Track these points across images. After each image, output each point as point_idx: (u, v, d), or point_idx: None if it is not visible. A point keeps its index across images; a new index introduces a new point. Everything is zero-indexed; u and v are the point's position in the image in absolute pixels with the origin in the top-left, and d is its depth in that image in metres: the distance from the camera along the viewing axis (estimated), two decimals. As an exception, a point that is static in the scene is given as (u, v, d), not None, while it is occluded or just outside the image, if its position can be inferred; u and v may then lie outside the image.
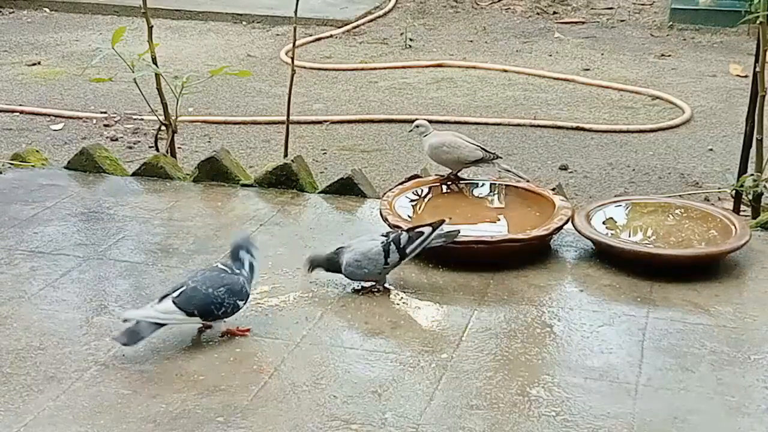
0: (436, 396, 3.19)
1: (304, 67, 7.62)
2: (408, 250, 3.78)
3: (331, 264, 3.83)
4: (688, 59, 8.20)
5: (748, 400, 3.20)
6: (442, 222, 3.84)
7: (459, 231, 3.87)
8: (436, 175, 4.68)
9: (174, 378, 3.26)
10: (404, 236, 3.81)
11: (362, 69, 7.89)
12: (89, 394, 3.19)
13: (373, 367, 3.35)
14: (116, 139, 6.22)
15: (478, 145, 4.61)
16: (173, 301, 3.42)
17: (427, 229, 3.81)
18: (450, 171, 4.60)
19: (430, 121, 5.95)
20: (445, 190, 4.59)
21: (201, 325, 3.54)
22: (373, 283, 3.85)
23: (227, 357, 3.40)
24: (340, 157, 5.96)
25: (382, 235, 3.88)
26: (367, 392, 3.20)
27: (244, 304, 3.55)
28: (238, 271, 3.55)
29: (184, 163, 5.43)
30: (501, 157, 4.67)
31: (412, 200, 4.48)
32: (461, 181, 4.61)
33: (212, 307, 3.46)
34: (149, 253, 4.20)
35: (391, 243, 3.80)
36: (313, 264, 3.85)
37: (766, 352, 3.48)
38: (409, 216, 4.32)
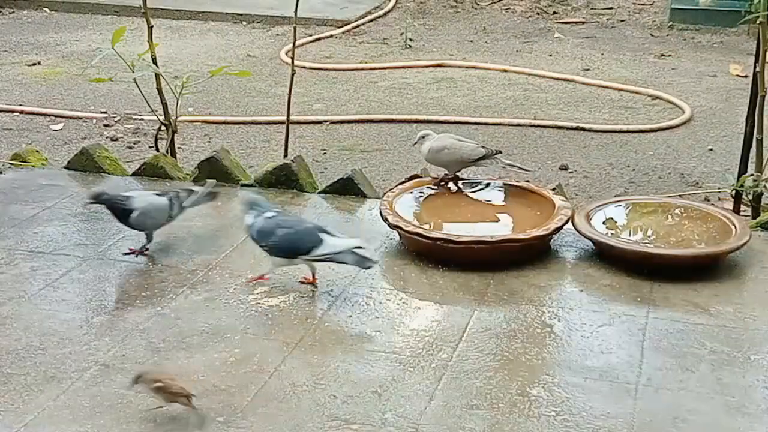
0: (436, 396, 3.19)
1: (304, 67, 7.61)
2: (185, 204, 4.25)
3: (116, 207, 4.14)
4: (688, 59, 8.20)
5: (748, 400, 3.20)
6: (206, 182, 4.46)
7: (216, 193, 4.43)
8: (436, 175, 4.68)
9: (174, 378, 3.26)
10: (183, 194, 4.27)
11: (362, 69, 7.88)
12: (89, 394, 3.19)
13: (373, 367, 3.35)
14: (116, 139, 6.21)
15: (476, 144, 4.62)
16: None
17: (198, 188, 4.36)
18: (446, 173, 4.60)
19: (430, 121, 5.94)
20: (441, 189, 4.58)
21: None
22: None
23: (227, 357, 3.40)
24: (340, 157, 5.96)
25: (162, 194, 4.27)
26: (367, 392, 3.20)
27: None
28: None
29: (184, 163, 5.42)
30: (501, 152, 4.68)
31: (412, 200, 4.47)
32: (461, 181, 4.60)
33: None
34: (149, 253, 4.20)
35: (175, 197, 4.23)
36: (98, 200, 4.17)
37: (766, 352, 3.48)
38: (413, 213, 4.33)
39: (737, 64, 7.86)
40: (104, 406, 3.12)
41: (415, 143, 4.73)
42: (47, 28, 9.09)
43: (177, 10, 9.44)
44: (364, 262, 3.82)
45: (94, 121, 6.56)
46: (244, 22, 9.31)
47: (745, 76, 7.24)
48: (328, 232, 3.86)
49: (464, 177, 4.63)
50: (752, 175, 4.65)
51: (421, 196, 4.52)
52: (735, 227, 4.18)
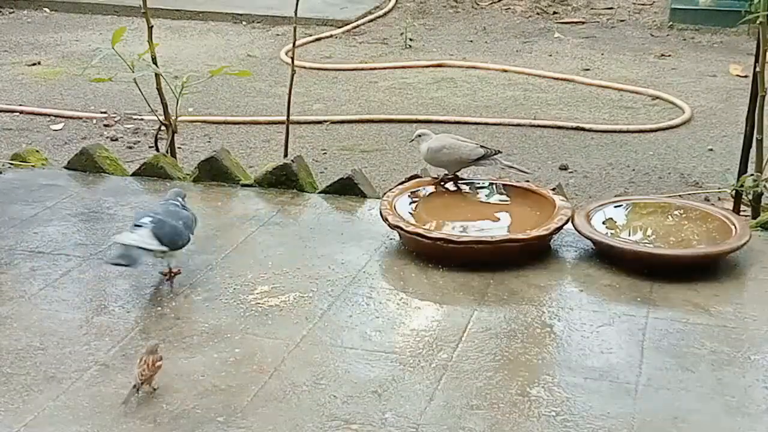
0: (436, 396, 3.19)
1: (304, 67, 7.62)
2: None
3: None
4: (688, 59, 8.20)
5: (748, 400, 3.20)
6: None
7: None
8: (436, 175, 4.68)
9: (174, 378, 3.27)
10: None
11: (362, 69, 7.89)
12: (89, 394, 3.19)
13: (373, 367, 3.35)
14: (116, 139, 6.22)
15: (475, 144, 4.62)
16: (152, 230, 3.74)
17: None
18: (446, 173, 4.60)
19: (430, 121, 5.92)
20: (454, 188, 4.58)
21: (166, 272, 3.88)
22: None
23: (227, 357, 3.40)
24: (340, 157, 5.96)
25: None
26: (367, 392, 3.20)
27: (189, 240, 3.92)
28: (185, 209, 3.96)
29: (184, 163, 5.43)
30: (501, 152, 4.68)
31: (411, 200, 4.47)
32: (461, 181, 4.60)
33: (177, 238, 3.82)
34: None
35: None
36: None
37: (766, 352, 3.48)
38: (410, 213, 4.34)
39: (737, 64, 7.87)
40: (104, 406, 3.12)
41: (412, 140, 4.73)
42: (47, 28, 9.10)
43: (177, 10, 9.45)
44: (116, 260, 3.78)
45: (94, 121, 6.57)
46: (244, 22, 9.32)
47: (745, 76, 7.24)
48: (140, 226, 3.81)
49: (464, 177, 4.63)
50: (752, 175, 4.65)
51: (420, 197, 4.52)
52: (735, 227, 4.17)
